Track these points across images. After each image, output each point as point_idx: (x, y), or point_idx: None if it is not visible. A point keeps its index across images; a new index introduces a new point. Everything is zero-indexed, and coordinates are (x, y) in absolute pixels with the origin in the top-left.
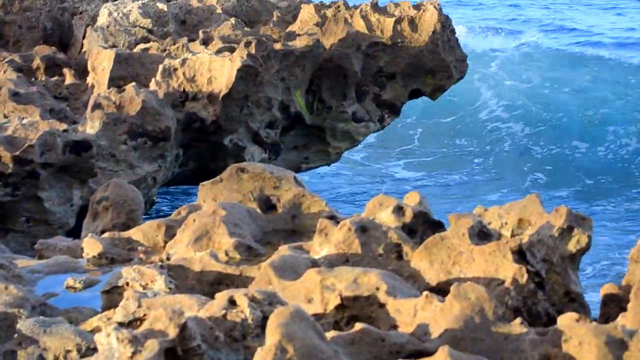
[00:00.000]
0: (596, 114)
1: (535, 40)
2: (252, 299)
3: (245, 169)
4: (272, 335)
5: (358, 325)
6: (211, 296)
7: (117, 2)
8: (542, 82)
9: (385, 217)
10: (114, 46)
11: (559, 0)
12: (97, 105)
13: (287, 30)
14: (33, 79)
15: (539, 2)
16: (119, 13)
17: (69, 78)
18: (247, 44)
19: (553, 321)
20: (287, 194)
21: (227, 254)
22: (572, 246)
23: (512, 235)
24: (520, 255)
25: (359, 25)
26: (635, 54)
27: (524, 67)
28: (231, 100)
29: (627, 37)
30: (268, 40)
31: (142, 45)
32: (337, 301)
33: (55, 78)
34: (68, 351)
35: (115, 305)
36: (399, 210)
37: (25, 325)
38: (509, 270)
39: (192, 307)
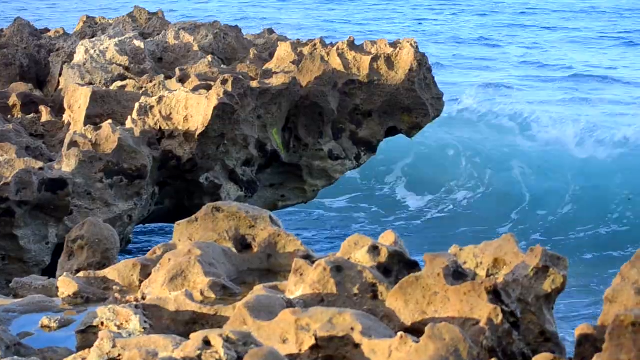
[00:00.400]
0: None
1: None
2: (227, 340)
3: (220, 208)
4: None
5: None
6: (186, 336)
7: (93, 39)
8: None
9: (361, 257)
10: (90, 83)
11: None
12: (73, 143)
13: (263, 68)
14: (9, 117)
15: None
16: (95, 50)
17: (45, 115)
18: (224, 82)
19: None
20: (262, 234)
21: (202, 294)
22: (547, 286)
23: (488, 275)
24: (495, 295)
25: (336, 63)
26: None
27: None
28: (207, 138)
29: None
30: (245, 78)
31: (118, 83)
32: (312, 342)
33: (32, 115)
34: None
35: (90, 345)
36: (374, 250)
37: None
38: (484, 311)
39: (166, 347)
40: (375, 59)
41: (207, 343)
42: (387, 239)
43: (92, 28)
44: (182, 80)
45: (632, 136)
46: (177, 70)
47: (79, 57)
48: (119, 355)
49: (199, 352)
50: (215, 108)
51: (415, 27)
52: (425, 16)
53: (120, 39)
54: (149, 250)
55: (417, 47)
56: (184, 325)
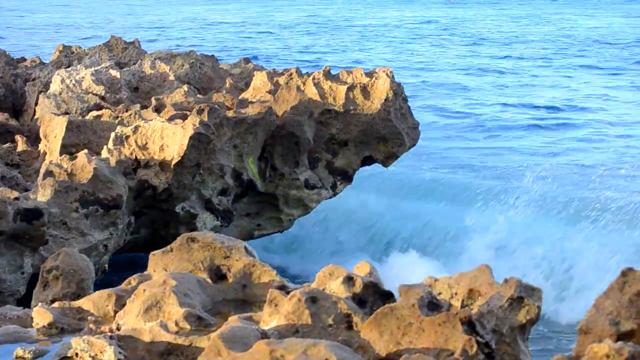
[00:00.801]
0: None
1: None
2: None
3: (195, 238)
4: None
5: None
6: None
7: (69, 68)
8: None
9: (336, 288)
10: (66, 113)
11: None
12: (49, 173)
13: (239, 98)
14: None
15: None
16: (71, 80)
17: (21, 145)
18: (200, 111)
19: None
20: (237, 264)
21: (177, 324)
22: (521, 317)
23: (462, 306)
24: (469, 326)
25: (312, 92)
26: None
27: None
28: (183, 167)
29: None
30: (220, 108)
31: (94, 112)
32: None
33: (7, 145)
34: None
35: None
36: (349, 280)
37: None
38: (458, 341)
39: None
40: (351, 88)
41: None
42: (362, 269)
43: (68, 57)
44: (158, 109)
45: None
46: (153, 99)
47: (55, 86)
48: None
49: None
50: (191, 138)
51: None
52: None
53: (96, 68)
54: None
55: (392, 76)
56: (158, 356)
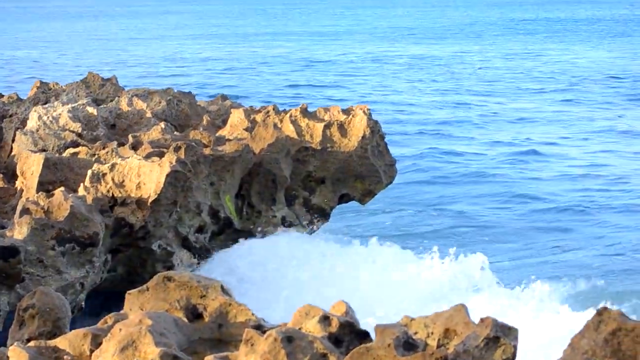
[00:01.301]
0: None
1: None
2: None
3: (172, 277)
4: None
5: None
6: None
7: (47, 105)
8: None
9: (312, 327)
10: (43, 150)
11: None
12: (26, 210)
13: (216, 135)
14: None
15: None
16: (48, 117)
17: None
18: (177, 149)
19: None
20: (213, 303)
21: None
22: (498, 356)
23: (439, 346)
24: None
25: (289, 130)
26: None
27: None
28: (160, 205)
29: None
30: (197, 145)
31: (71, 150)
32: None
33: None
34: None
35: None
36: (325, 320)
37: None
38: None
39: None
40: (328, 126)
41: None
42: (338, 309)
43: (45, 94)
44: (135, 147)
45: None
46: (130, 137)
47: (32, 123)
48: None
49: None
50: (167, 175)
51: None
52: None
53: (73, 105)
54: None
55: (369, 114)
56: None
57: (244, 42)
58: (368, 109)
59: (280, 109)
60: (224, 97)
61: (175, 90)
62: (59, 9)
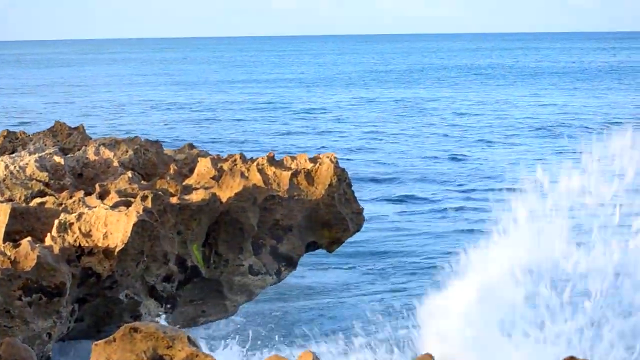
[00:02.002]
0: None
1: None
2: None
3: (138, 328)
4: None
5: None
6: None
7: (14, 155)
8: None
9: None
10: (10, 200)
11: None
12: None
13: (183, 184)
14: None
15: None
16: (15, 166)
17: None
18: (144, 198)
19: None
20: (180, 354)
21: None
22: None
23: None
24: None
25: (256, 178)
26: None
27: None
28: (127, 255)
29: None
30: (164, 194)
31: (38, 199)
32: None
33: None
34: None
35: None
36: None
37: None
38: None
39: None
40: (295, 174)
41: None
42: (304, 359)
43: (12, 143)
44: (102, 196)
45: None
46: (97, 186)
47: None
48: None
49: None
50: (134, 225)
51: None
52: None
53: (40, 154)
54: None
55: (336, 162)
56: None
57: (216, 89)
58: (335, 157)
59: (248, 157)
60: (191, 146)
61: (142, 139)
62: (27, 56)
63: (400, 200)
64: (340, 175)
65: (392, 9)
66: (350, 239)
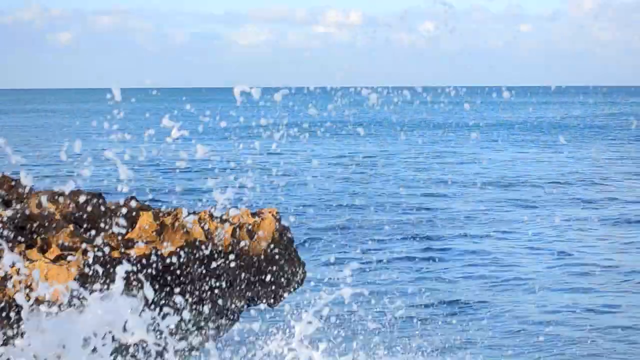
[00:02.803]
0: None
1: None
2: None
3: None
4: None
5: None
6: None
7: None
8: None
9: None
10: None
11: None
12: None
13: (125, 237)
14: None
15: None
16: None
17: None
18: (85, 252)
19: None
20: None
21: None
22: None
23: None
24: None
25: (197, 232)
26: None
27: None
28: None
29: None
30: (106, 248)
31: None
32: None
33: None
34: None
35: None
36: None
37: None
38: None
39: None
40: (237, 228)
41: None
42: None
43: None
44: (44, 249)
45: None
46: (38, 239)
47: None
48: None
49: None
50: (75, 279)
51: None
52: None
53: None
54: None
55: (279, 217)
56: None
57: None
58: (277, 212)
59: (191, 211)
60: (134, 199)
61: (85, 192)
62: None
63: None
64: (282, 230)
65: None
66: None
